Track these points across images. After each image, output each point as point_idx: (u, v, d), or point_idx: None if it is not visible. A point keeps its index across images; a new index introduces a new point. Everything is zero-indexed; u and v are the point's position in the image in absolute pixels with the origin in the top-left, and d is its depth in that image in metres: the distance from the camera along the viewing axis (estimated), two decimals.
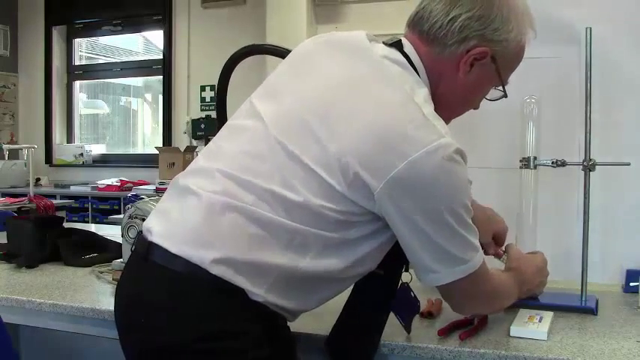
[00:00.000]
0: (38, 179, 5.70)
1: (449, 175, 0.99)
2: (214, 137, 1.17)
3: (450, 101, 1.14)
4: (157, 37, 6.03)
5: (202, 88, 5.58)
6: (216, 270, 0.99)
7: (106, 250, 1.95)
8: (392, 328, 1.25)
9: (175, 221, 1.06)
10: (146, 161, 5.72)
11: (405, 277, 1.21)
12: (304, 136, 1.03)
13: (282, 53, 1.36)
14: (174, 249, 1.02)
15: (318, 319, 1.22)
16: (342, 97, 1.04)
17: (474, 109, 1.23)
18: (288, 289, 1.04)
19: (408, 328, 1.23)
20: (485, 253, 1.35)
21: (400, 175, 0.97)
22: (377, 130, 0.99)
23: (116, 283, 1.63)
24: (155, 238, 1.05)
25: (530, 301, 1.40)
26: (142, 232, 1.12)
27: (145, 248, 1.06)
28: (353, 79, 1.06)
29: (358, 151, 0.98)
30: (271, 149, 1.04)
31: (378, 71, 1.07)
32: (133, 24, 6.01)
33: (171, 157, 4.91)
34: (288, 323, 1.12)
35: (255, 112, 1.11)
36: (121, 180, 5.35)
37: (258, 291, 1.01)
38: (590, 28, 1.45)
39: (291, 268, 1.02)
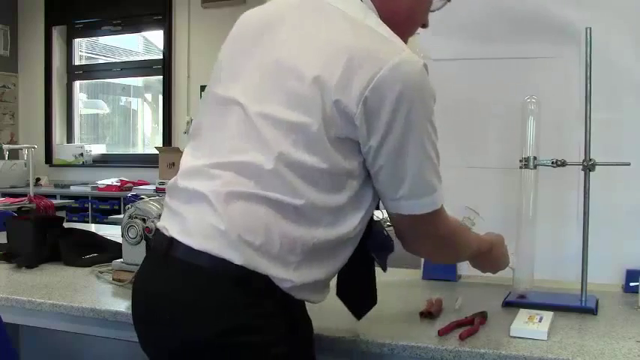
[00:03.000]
0: (38, 179, 5.69)
1: (417, 88, 1.03)
2: (194, 135, 1.16)
3: (397, 23, 1.15)
4: (157, 37, 6.03)
5: (202, 88, 5.56)
6: (240, 258, 0.99)
7: (106, 250, 1.95)
8: (392, 328, 1.26)
9: (192, 223, 1.05)
10: (146, 161, 5.72)
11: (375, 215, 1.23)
12: (281, 94, 1.04)
13: None
14: (196, 246, 1.02)
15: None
16: (303, 43, 1.07)
17: (423, 27, 1.25)
18: (313, 262, 1.05)
19: (384, 266, 1.24)
20: None
21: (371, 94, 1.00)
22: (342, 56, 1.01)
23: (116, 283, 1.64)
24: (175, 235, 1.06)
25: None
26: (158, 230, 1.12)
27: (165, 245, 1.07)
28: (307, 25, 1.10)
29: (330, 80, 1.01)
30: (254, 127, 1.05)
31: (327, 9, 1.10)
32: (133, 24, 6.01)
33: (171, 157, 4.91)
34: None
35: (227, 99, 1.11)
36: (121, 180, 5.35)
37: (284, 273, 1.02)
38: (590, 28, 1.45)
39: (309, 239, 1.03)
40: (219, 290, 1.01)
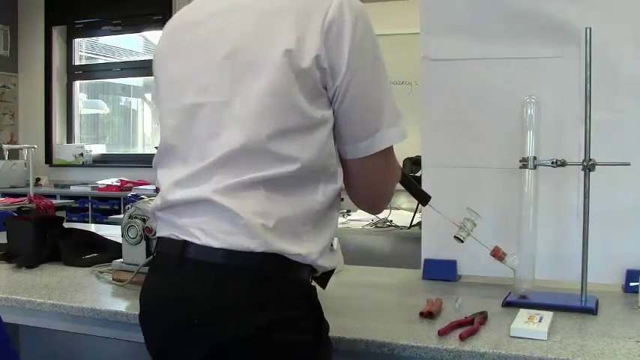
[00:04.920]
0: (38, 179, 5.69)
1: (363, 15, 1.03)
2: (166, 151, 1.15)
3: None
4: (156, 37, 6.01)
5: None
6: (260, 245, 1.00)
7: (106, 250, 1.95)
8: (392, 328, 1.26)
9: (206, 227, 1.04)
10: (146, 161, 5.67)
11: None
12: (243, 81, 1.03)
13: None
14: (216, 244, 1.02)
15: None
16: (244, 24, 1.06)
17: None
18: (322, 228, 1.07)
19: None
20: None
21: (326, 37, 1.00)
22: (285, 15, 1.02)
23: (116, 283, 1.63)
24: (188, 238, 1.05)
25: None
26: (164, 237, 1.11)
27: (179, 247, 1.06)
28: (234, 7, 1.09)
29: (286, 44, 1.00)
30: (222, 113, 1.04)
31: None
32: (133, 24, 6.00)
33: None
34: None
35: (194, 104, 1.09)
36: (121, 180, 5.34)
37: (299, 248, 1.03)
38: (590, 28, 1.45)
39: (312, 206, 1.05)
40: (244, 285, 1.01)
